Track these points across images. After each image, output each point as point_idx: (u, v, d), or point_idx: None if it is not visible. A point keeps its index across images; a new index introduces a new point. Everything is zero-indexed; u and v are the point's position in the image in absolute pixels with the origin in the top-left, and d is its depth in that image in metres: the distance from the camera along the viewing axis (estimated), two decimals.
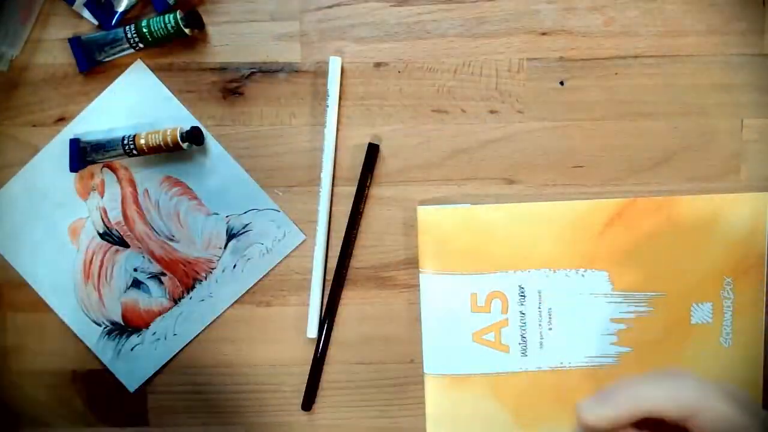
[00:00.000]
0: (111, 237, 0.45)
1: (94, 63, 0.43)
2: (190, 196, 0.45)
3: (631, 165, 0.44)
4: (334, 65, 0.43)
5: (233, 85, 0.44)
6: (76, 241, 0.45)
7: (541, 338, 0.44)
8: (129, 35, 0.42)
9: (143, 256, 0.45)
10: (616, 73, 0.43)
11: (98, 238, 0.45)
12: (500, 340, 0.44)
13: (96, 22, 0.43)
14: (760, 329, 0.44)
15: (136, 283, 0.45)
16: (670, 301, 0.43)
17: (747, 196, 0.43)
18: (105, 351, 0.45)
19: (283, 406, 0.46)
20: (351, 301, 0.45)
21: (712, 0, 0.43)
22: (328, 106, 0.43)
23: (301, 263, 0.45)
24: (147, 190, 0.45)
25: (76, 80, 0.44)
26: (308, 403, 0.45)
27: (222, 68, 0.44)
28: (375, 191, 0.44)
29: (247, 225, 0.45)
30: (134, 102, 0.44)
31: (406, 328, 0.45)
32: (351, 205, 0.44)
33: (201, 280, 0.45)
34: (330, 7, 0.43)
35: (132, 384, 0.46)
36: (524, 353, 0.44)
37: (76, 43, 0.43)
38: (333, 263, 0.45)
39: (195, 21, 0.43)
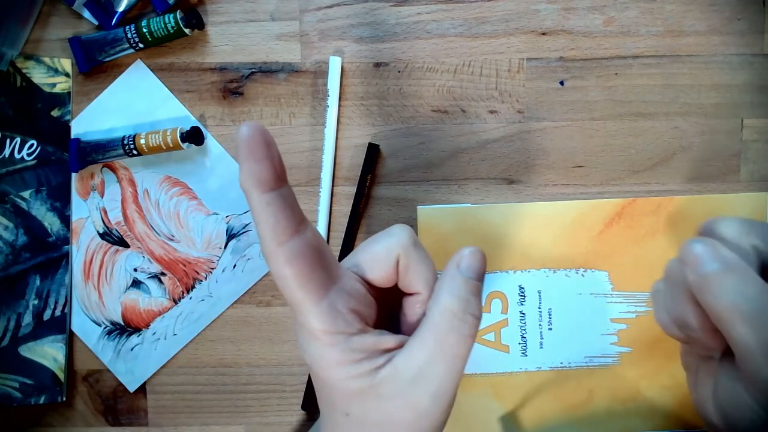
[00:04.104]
0: (111, 237, 0.45)
1: (94, 63, 0.43)
2: (190, 196, 0.45)
3: (631, 165, 0.44)
4: (334, 65, 0.43)
5: (233, 85, 0.44)
6: (76, 241, 0.45)
7: (541, 338, 0.44)
8: (129, 35, 0.42)
9: (143, 256, 0.45)
10: (616, 73, 0.43)
11: (98, 238, 0.45)
12: (500, 340, 0.44)
13: (96, 22, 0.43)
14: None
15: (136, 283, 0.45)
16: None
17: (747, 196, 0.43)
18: (105, 351, 0.45)
19: (283, 406, 0.46)
20: None
21: (712, 0, 0.43)
22: (328, 106, 0.43)
23: None
24: (147, 190, 0.45)
25: (76, 80, 0.44)
26: (308, 403, 0.45)
27: (222, 68, 0.44)
28: (375, 191, 0.44)
29: (247, 225, 0.45)
30: (134, 102, 0.44)
31: None
32: (351, 205, 0.44)
33: (201, 280, 0.45)
34: (330, 7, 0.43)
35: (132, 384, 0.46)
36: (524, 353, 0.44)
37: (76, 43, 0.43)
38: None
39: (195, 21, 0.43)
